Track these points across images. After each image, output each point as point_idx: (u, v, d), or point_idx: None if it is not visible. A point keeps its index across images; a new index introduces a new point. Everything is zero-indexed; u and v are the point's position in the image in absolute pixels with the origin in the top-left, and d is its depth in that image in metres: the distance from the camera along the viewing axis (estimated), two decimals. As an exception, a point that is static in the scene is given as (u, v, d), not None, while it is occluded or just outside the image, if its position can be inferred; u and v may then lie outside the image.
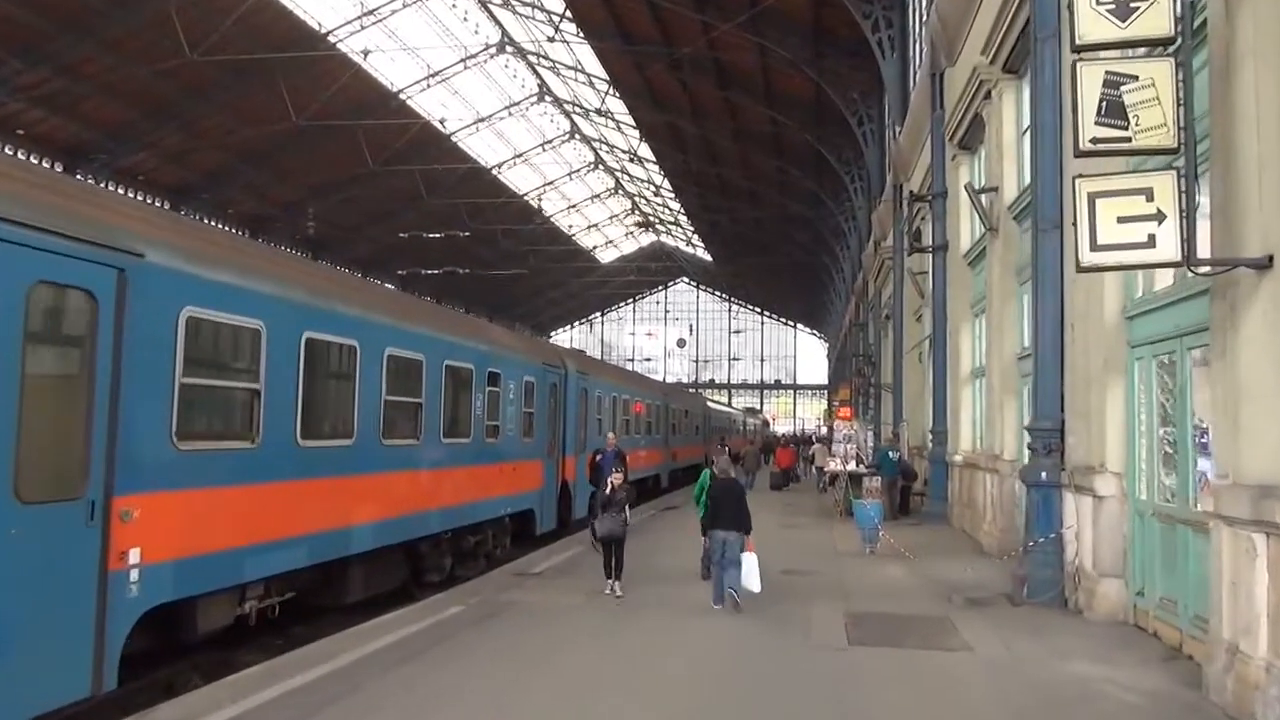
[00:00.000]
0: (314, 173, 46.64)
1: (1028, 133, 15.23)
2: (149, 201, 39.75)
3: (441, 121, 43.68)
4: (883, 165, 34.07)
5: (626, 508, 11.51)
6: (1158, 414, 9.84)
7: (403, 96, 43.41)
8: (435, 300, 41.16)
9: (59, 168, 36.95)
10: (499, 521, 14.95)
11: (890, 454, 20.69)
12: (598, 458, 16.10)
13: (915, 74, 26.17)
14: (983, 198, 16.09)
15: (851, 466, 21.30)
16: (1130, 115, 7.24)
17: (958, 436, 19.20)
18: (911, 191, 21.21)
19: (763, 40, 31.98)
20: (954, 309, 19.52)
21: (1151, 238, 7.25)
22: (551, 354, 17.79)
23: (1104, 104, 7.28)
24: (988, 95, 16.39)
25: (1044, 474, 11.42)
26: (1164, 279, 9.82)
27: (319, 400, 9.79)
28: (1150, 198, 7.25)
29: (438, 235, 35.24)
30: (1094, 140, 7.32)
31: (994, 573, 13.15)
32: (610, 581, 11.73)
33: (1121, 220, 7.31)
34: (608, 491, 11.71)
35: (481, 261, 61.60)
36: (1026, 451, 14.45)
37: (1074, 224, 7.54)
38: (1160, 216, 7.23)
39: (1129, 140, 7.26)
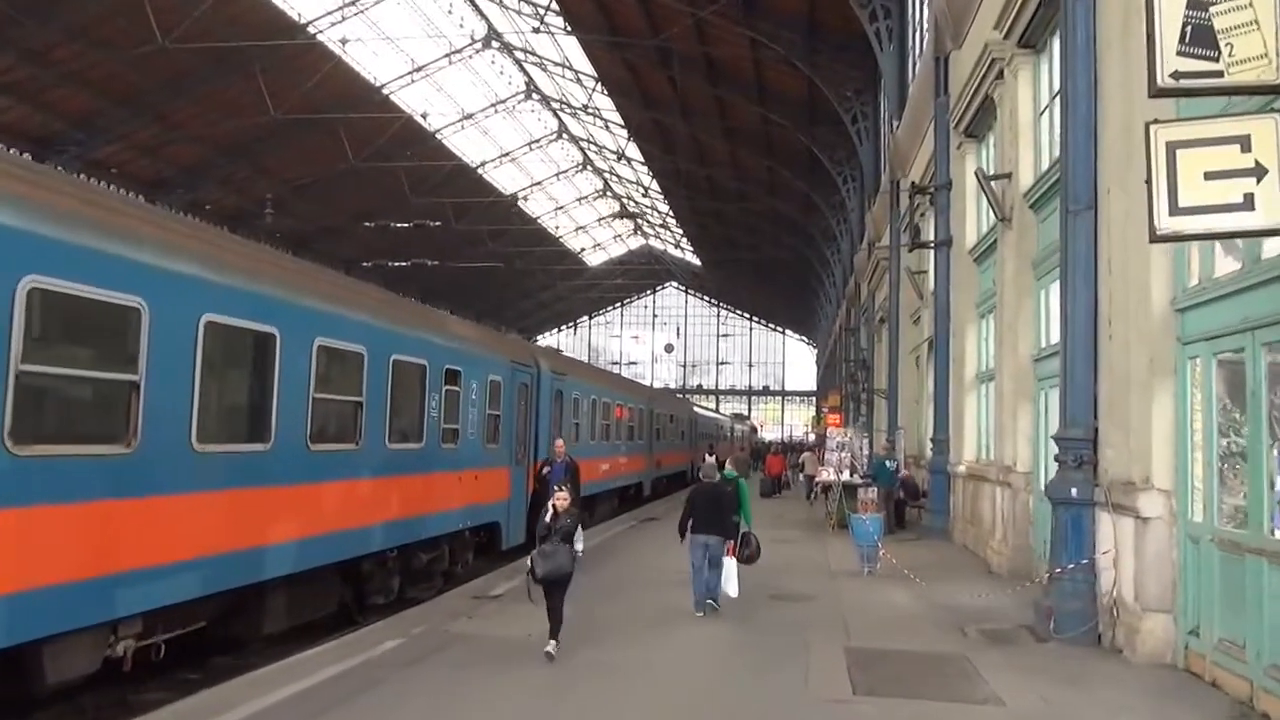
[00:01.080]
0: (294, 168, 44.87)
1: (1046, 112, 13.72)
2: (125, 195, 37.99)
3: (424, 116, 41.94)
4: (877, 164, 32.55)
5: (578, 537, 8.86)
6: (1218, 421, 8.24)
7: (386, 91, 41.73)
8: (421, 302, 39.42)
9: (27, 158, 35.18)
10: (458, 536, 13.26)
11: (887, 464, 19.07)
12: (544, 470, 13.39)
13: (914, 64, 24.66)
14: (994, 185, 14.50)
15: (846, 476, 19.68)
16: (1222, 43, 5.63)
17: (961, 445, 17.59)
18: (913, 183, 19.69)
19: (754, 34, 30.47)
20: (958, 309, 17.93)
21: (1248, 198, 5.65)
22: (522, 351, 16.12)
23: (1188, 29, 5.68)
24: (1000, 75, 14.82)
25: (1074, 490, 9.81)
26: (1225, 264, 8.25)
27: (223, 397, 8.12)
28: (1246, 148, 5.65)
29: (406, 225, 33.38)
30: (1175, 75, 5.71)
31: (1009, 599, 11.51)
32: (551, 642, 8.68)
33: (1210, 176, 5.71)
34: (548, 517, 8.67)
35: (468, 261, 59.98)
36: (1046, 464, 12.86)
37: (1147, 181, 5.92)
38: (1259, 171, 5.63)
39: (1220, 74, 5.65)
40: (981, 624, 10.47)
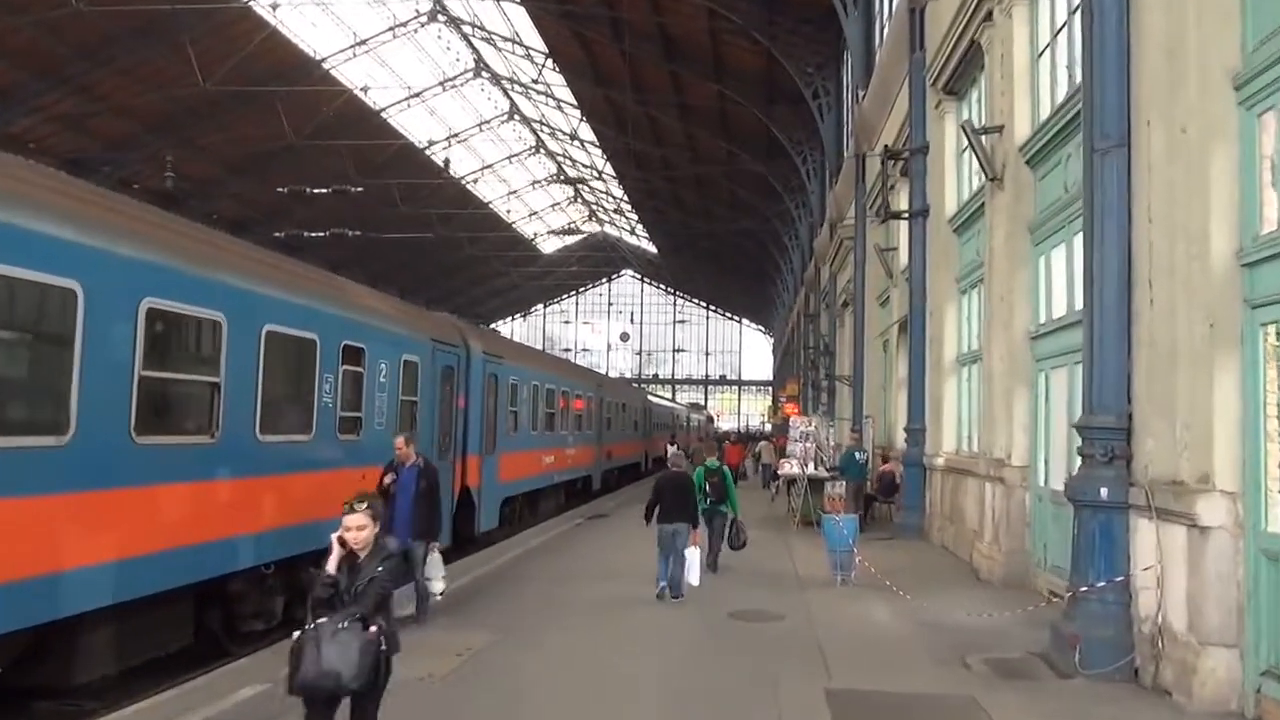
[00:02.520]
0: (230, 145, 42.04)
1: (1046, 53, 11.79)
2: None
3: (364, 90, 39.30)
4: (840, 141, 30.69)
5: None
6: (1307, 406, 6.32)
7: (326, 66, 39.10)
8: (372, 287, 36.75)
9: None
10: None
11: (857, 455, 17.11)
12: (386, 480, 8.96)
13: (882, 29, 22.75)
14: (984, 141, 12.55)
15: (810, 469, 17.70)
16: None
17: (939, 435, 15.68)
18: (886, 146, 17.73)
19: (711, 4, 28.39)
20: (935, 285, 16.00)
21: None
22: (447, 330, 13.86)
23: None
24: (989, 16, 12.89)
25: (1104, 490, 7.85)
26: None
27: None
28: None
29: (325, 191, 30.81)
30: None
31: (1013, 618, 9.54)
32: None
33: None
34: (332, 566, 4.70)
35: (416, 247, 57.37)
36: (1049, 456, 10.94)
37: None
38: None
39: None
40: (986, 652, 8.50)
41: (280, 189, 31.13)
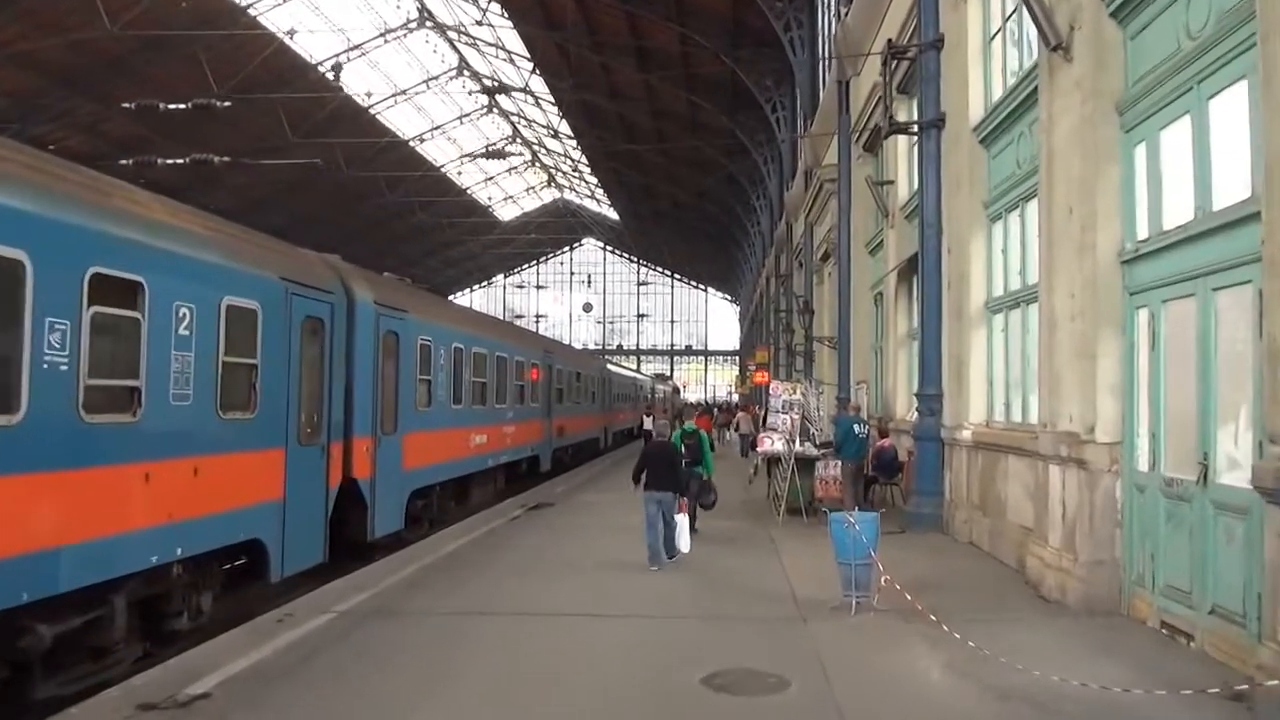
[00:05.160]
0: (152, 101, 37.42)
1: None
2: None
3: (290, 34, 34.86)
4: (815, 81, 26.96)
5: None
6: None
7: (253, 12, 34.70)
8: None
9: None
10: (161, 574, 7.20)
11: (856, 429, 13.42)
12: None
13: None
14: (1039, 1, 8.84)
15: (798, 446, 14.04)
16: None
17: (964, 403, 12.04)
18: (890, 41, 13.86)
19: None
20: (955, 214, 12.31)
21: None
22: (313, 269, 9.83)
23: None
24: None
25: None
26: None
27: None
28: None
29: (183, 106, 26.39)
30: None
31: (1168, 694, 5.97)
32: None
33: None
34: None
35: (364, 215, 53.25)
36: (1164, 428, 7.10)
37: None
38: None
39: None
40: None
41: (126, 104, 27.05)
